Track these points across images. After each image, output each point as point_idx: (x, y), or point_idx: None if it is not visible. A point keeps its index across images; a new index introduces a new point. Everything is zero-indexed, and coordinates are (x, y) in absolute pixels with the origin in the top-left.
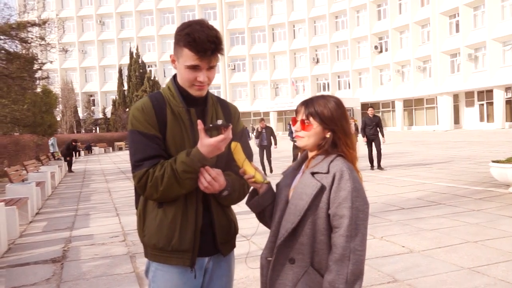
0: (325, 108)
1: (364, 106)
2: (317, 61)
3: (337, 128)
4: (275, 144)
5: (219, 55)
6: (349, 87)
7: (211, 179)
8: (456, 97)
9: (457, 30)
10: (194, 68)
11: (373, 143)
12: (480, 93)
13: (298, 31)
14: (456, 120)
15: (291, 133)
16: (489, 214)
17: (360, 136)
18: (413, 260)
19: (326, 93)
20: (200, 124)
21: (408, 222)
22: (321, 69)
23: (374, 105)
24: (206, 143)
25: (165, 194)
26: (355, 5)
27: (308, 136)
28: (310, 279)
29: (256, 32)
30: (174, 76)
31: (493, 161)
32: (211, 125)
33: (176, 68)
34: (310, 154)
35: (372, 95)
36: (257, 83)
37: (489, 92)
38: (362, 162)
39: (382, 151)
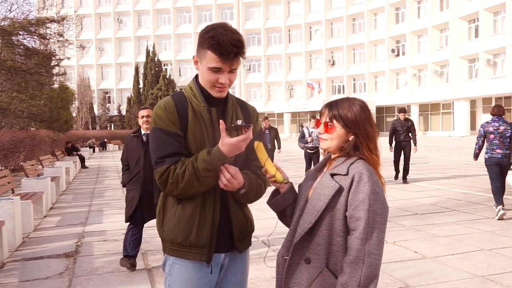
0: (349, 111)
1: (380, 110)
2: (333, 63)
3: (360, 131)
4: (279, 148)
5: (241, 58)
6: (365, 90)
7: (230, 177)
8: (473, 103)
9: (476, 35)
10: (216, 70)
11: (403, 151)
12: (498, 99)
13: (315, 33)
14: (473, 126)
15: (302, 137)
16: (504, 222)
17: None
18: (425, 266)
19: (342, 96)
20: (222, 124)
21: (422, 228)
22: (336, 71)
23: (390, 109)
24: (227, 143)
25: (185, 190)
26: (373, 7)
27: (331, 139)
28: (325, 280)
29: (272, 33)
30: (196, 77)
31: (510, 169)
32: (232, 125)
33: (199, 69)
34: (333, 156)
35: (388, 99)
36: (272, 84)
37: (508, 98)
38: (386, 168)
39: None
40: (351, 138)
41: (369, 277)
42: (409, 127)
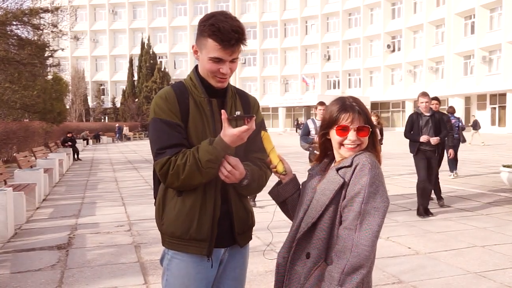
0: (367, 110)
1: (374, 106)
2: (328, 58)
3: (374, 130)
4: None
5: (242, 46)
6: (360, 86)
7: (232, 168)
8: (468, 99)
9: (472, 32)
10: (217, 60)
11: (431, 161)
12: (493, 96)
13: (311, 27)
14: (466, 123)
15: (307, 134)
16: (498, 219)
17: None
18: (419, 262)
19: (337, 91)
20: (224, 114)
21: (415, 224)
22: (332, 66)
23: (384, 105)
24: (229, 133)
25: (186, 182)
26: (369, 2)
27: (365, 142)
28: (322, 274)
29: (268, 26)
30: (196, 67)
31: (504, 166)
32: (235, 115)
33: (198, 59)
34: (339, 157)
35: (383, 95)
36: (267, 78)
37: (502, 95)
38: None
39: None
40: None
41: (354, 266)
42: (444, 123)
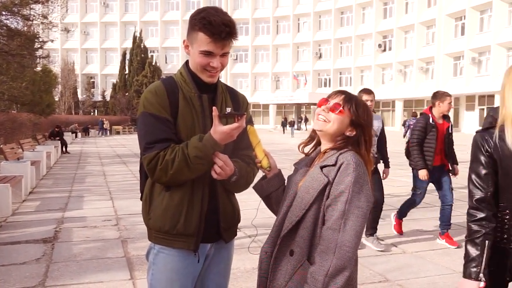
0: (365, 108)
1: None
2: (320, 56)
3: (367, 129)
4: None
5: (232, 40)
6: (351, 84)
7: (223, 164)
8: (457, 100)
9: (462, 33)
10: (208, 54)
11: None
12: (481, 97)
13: (303, 25)
14: (455, 124)
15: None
16: None
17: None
18: (405, 260)
19: (328, 89)
20: (215, 111)
21: (403, 223)
22: (323, 64)
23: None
24: (220, 130)
25: (174, 178)
26: (361, 1)
27: (333, 122)
28: (305, 274)
29: (260, 23)
30: (187, 62)
31: None
32: (226, 113)
33: (189, 53)
34: (323, 148)
35: None
36: (258, 74)
37: (491, 97)
38: None
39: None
40: (351, 132)
41: (338, 268)
42: None
